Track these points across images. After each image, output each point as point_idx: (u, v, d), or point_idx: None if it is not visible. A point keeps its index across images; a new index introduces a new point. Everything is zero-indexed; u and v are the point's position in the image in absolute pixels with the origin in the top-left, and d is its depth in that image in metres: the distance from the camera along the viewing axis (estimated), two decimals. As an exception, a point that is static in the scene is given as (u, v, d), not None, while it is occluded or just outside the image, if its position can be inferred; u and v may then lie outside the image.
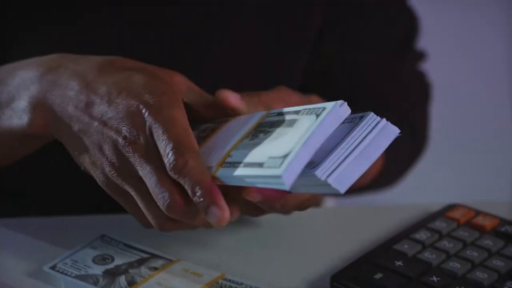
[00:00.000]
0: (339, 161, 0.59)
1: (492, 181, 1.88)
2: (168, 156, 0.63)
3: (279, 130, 0.62)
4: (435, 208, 0.78)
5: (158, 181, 0.64)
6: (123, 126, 0.65)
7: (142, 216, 0.67)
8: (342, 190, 0.58)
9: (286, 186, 0.58)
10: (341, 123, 0.60)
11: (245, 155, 0.61)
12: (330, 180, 0.58)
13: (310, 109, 0.61)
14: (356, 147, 0.59)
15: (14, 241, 0.74)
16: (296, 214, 0.72)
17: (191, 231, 0.71)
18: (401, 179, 1.05)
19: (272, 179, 0.58)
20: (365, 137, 0.59)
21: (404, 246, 0.71)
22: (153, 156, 0.64)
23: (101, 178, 0.68)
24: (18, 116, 0.70)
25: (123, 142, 0.65)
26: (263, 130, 0.64)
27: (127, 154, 0.65)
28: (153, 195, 0.64)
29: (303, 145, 0.58)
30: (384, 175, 0.99)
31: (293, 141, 0.59)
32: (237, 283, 0.66)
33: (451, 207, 0.78)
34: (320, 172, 0.58)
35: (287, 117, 0.63)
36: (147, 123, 0.65)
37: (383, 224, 0.79)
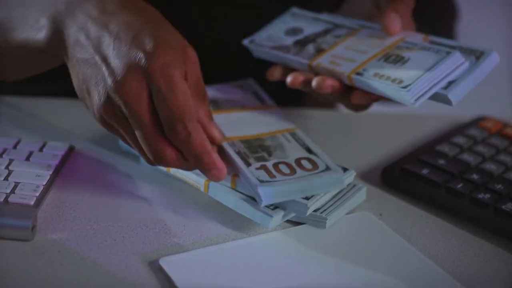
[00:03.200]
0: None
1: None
2: (169, 124, 0.65)
3: (415, 57, 0.73)
4: (465, 120, 0.88)
5: (150, 137, 0.66)
6: (121, 73, 0.65)
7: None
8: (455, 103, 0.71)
9: (411, 99, 0.70)
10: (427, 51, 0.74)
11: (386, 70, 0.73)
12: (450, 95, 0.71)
13: (468, 49, 0.73)
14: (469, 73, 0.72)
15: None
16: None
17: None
18: None
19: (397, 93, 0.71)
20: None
21: (445, 148, 0.80)
22: (145, 110, 0.65)
23: (93, 112, 0.68)
24: (37, 29, 0.72)
25: (114, 86, 0.65)
26: (396, 53, 0.75)
27: (117, 99, 0.65)
28: (142, 146, 0.67)
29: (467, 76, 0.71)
30: None
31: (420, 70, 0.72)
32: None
33: (481, 118, 0.87)
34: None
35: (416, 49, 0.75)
36: (147, 79, 0.65)
37: (422, 130, 0.88)
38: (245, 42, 0.83)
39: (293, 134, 0.75)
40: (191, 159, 0.66)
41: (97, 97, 0.67)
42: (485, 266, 0.68)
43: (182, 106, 0.64)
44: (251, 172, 0.69)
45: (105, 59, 0.67)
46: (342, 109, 0.84)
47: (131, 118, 0.66)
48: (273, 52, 0.80)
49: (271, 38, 0.82)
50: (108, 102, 0.66)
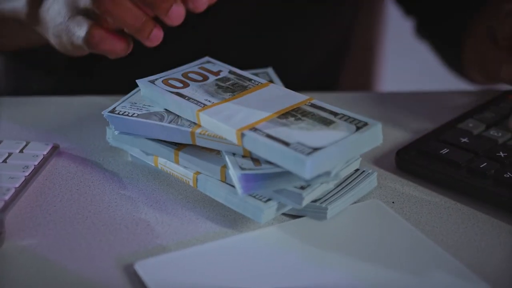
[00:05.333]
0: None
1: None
2: None
3: (312, 123, 0.62)
4: (484, 97, 0.79)
5: None
6: None
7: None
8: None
9: (306, 175, 0.58)
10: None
11: (276, 131, 0.61)
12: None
13: (350, 117, 0.62)
14: None
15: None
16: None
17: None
18: None
19: (295, 162, 0.59)
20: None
21: (469, 125, 0.71)
22: None
23: (81, 26, 0.70)
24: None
25: None
26: (295, 115, 0.63)
27: None
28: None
29: (335, 147, 0.59)
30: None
31: (326, 140, 0.60)
32: None
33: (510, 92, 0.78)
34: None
35: (324, 114, 0.63)
36: None
37: (442, 108, 0.79)
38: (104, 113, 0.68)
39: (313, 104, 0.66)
40: None
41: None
42: (511, 257, 0.59)
43: None
44: (235, 160, 0.62)
45: None
46: (350, 90, 0.76)
47: None
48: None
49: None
50: None
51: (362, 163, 0.69)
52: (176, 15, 0.68)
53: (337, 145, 0.60)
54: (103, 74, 0.94)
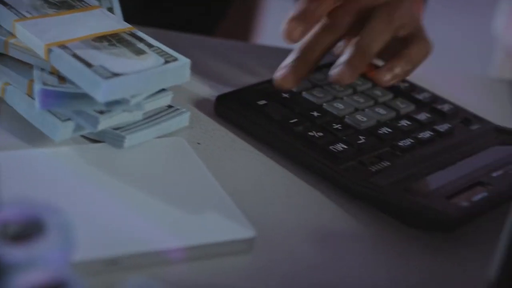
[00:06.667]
0: None
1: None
2: None
3: (124, 51, 0.62)
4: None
5: None
6: None
7: None
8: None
9: (100, 97, 0.58)
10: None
11: (84, 52, 0.61)
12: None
13: (163, 51, 0.63)
14: None
15: None
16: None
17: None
18: None
19: (92, 84, 0.59)
20: None
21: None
22: None
23: None
24: None
25: None
26: (111, 41, 0.63)
27: None
28: None
29: (136, 76, 0.59)
30: None
31: (130, 68, 0.60)
32: None
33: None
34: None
35: (139, 45, 0.63)
36: None
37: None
38: None
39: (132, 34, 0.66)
40: None
41: None
42: (286, 207, 0.60)
43: None
44: (41, 75, 0.61)
45: None
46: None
47: None
48: None
49: None
50: None
51: (182, 103, 0.69)
52: None
53: (139, 74, 0.60)
54: None
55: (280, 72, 0.69)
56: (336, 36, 0.70)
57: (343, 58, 0.68)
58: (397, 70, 0.70)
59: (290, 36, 0.68)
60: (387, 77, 0.69)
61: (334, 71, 0.67)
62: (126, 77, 0.59)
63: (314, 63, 0.69)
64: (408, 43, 0.70)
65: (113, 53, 0.62)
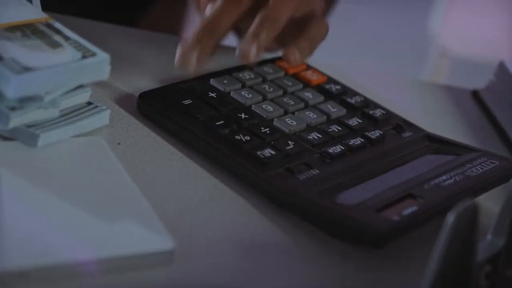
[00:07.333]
0: None
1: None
2: None
3: (38, 43, 0.58)
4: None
5: None
6: None
7: None
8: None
9: (9, 93, 0.55)
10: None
11: None
12: None
13: (81, 45, 0.59)
14: None
15: None
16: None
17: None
18: None
19: (2, 79, 0.55)
20: None
21: (224, 81, 0.69)
22: None
23: None
24: None
25: None
26: (25, 31, 0.59)
27: None
28: None
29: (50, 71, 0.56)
30: None
31: (43, 62, 0.56)
32: None
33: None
34: None
35: (55, 37, 0.59)
36: None
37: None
38: None
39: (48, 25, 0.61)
40: None
41: None
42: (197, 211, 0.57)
43: None
44: None
45: None
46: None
47: None
48: None
49: None
50: None
51: (103, 99, 0.65)
52: None
53: (53, 69, 0.56)
54: None
55: (182, 51, 0.67)
56: (241, 9, 0.70)
57: (249, 30, 0.68)
58: (302, 47, 0.70)
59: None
60: (296, 55, 0.70)
61: (241, 45, 0.67)
62: (39, 72, 0.55)
63: (218, 39, 0.69)
64: (307, 25, 0.71)
65: (26, 45, 0.57)
